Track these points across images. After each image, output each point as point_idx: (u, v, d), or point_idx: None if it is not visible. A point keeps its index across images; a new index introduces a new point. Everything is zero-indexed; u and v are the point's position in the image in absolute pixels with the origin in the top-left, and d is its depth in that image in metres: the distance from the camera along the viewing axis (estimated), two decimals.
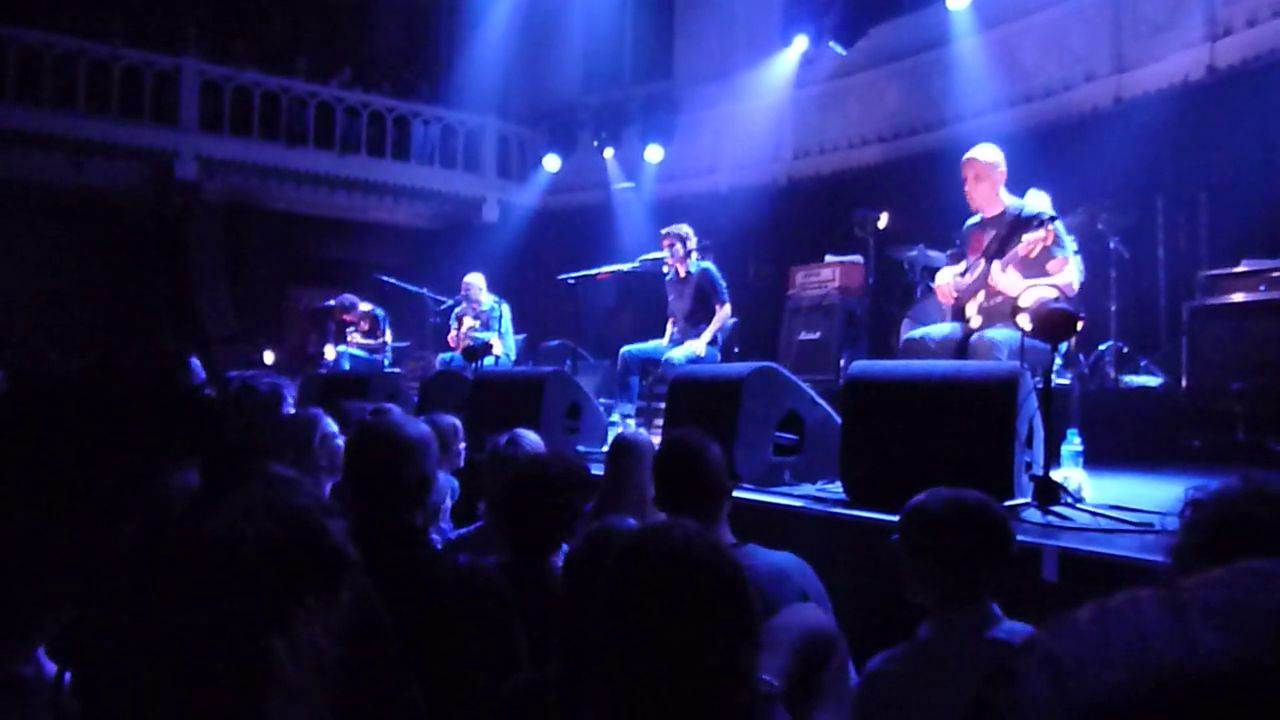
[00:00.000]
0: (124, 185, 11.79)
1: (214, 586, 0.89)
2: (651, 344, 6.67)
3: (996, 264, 4.34)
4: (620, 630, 1.23)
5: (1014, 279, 4.23)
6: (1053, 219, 4.17)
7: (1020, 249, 4.18)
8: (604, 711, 1.22)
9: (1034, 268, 4.25)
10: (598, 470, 3.70)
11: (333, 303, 9.64)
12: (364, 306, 9.46)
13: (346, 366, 8.97)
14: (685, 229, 6.60)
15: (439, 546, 3.41)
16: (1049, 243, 4.16)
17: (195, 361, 3.04)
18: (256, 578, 0.91)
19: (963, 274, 4.74)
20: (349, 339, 9.51)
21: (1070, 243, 4.37)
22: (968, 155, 4.67)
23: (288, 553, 0.94)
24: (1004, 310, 4.22)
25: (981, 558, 2.06)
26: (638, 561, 1.26)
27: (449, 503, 3.73)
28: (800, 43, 9.55)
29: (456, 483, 3.92)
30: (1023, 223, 4.37)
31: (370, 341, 9.35)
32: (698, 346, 6.27)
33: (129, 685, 0.85)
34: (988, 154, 4.63)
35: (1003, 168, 4.60)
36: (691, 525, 1.37)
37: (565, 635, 1.85)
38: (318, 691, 0.90)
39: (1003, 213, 4.59)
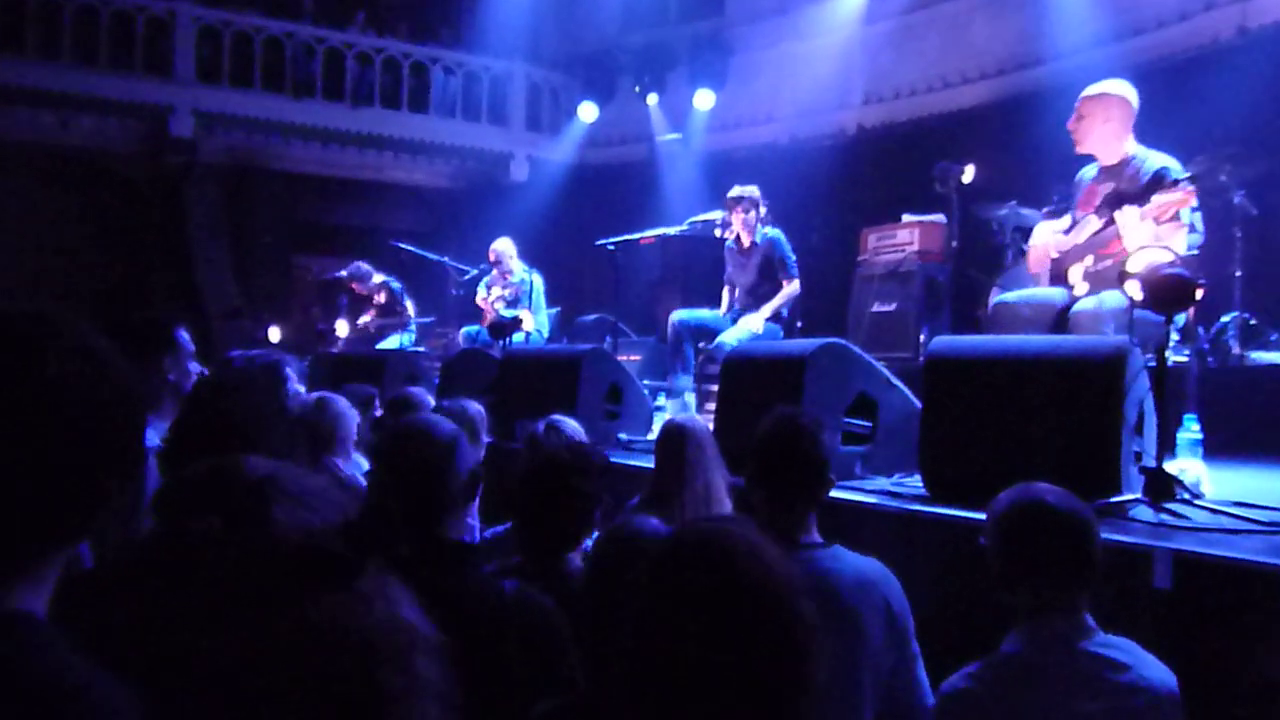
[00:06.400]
0: (114, 144, 12.01)
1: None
2: (708, 312, 6.66)
3: (1131, 209, 4.22)
4: (660, 649, 1.23)
5: (1149, 230, 4.13)
6: (1191, 179, 4.06)
7: (1151, 209, 4.08)
8: None
9: None
10: (642, 461, 3.72)
11: (343, 273, 9.74)
12: (378, 278, 9.51)
13: (400, 346, 8.99)
14: (755, 190, 6.57)
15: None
16: (1187, 205, 4.06)
17: (183, 334, 3.06)
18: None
19: (1066, 231, 4.65)
20: (363, 315, 9.57)
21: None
22: (1092, 90, 4.54)
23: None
24: (1114, 274, 4.13)
25: (1059, 564, 2.08)
26: (685, 568, 1.26)
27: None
28: None
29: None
30: (1155, 181, 4.27)
31: (388, 320, 9.39)
32: (755, 323, 6.25)
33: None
34: (1120, 88, 4.50)
35: (1135, 107, 4.49)
36: (746, 523, 1.36)
37: (590, 652, 1.86)
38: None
39: (1125, 161, 4.49)
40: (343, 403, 3.90)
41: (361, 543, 0.92)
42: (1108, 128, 4.49)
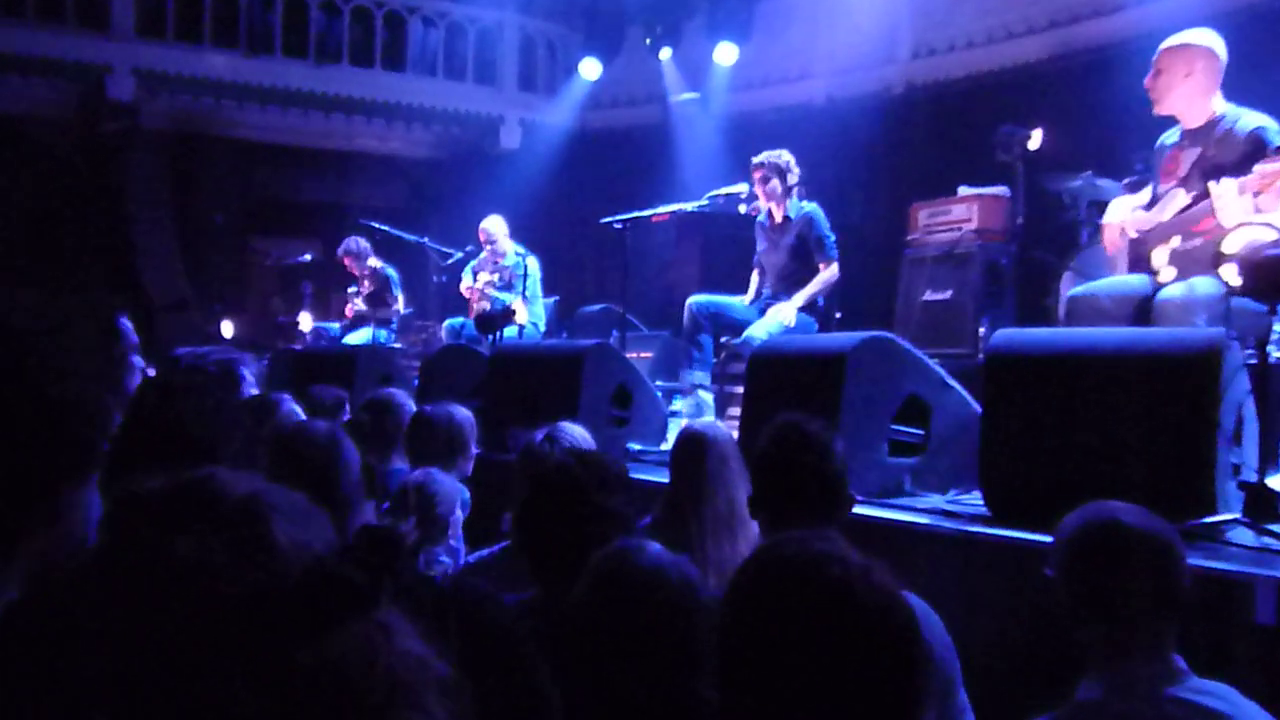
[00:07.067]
0: (43, 109, 12.05)
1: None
2: (733, 298, 6.65)
3: (1229, 181, 4.19)
4: (755, 684, 1.27)
5: (1248, 204, 4.10)
6: None
7: (1252, 180, 4.06)
8: None
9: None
10: (655, 476, 3.70)
11: (305, 258, 9.76)
12: (374, 262, 9.55)
13: (373, 340, 9.02)
14: (785, 157, 6.56)
15: (451, 570, 3.47)
16: None
17: (125, 323, 3.07)
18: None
19: (1148, 206, 4.63)
20: (350, 303, 9.60)
21: None
22: (1171, 41, 4.54)
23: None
24: (1206, 256, 4.11)
25: (1139, 596, 2.08)
26: (774, 595, 1.30)
27: (459, 514, 3.78)
28: None
29: (467, 492, 3.96)
30: (1253, 145, 4.24)
31: (370, 310, 9.40)
32: (786, 314, 6.23)
33: None
34: (1204, 38, 4.50)
35: (1223, 60, 4.48)
36: (849, 549, 1.39)
37: (587, 682, 1.87)
38: None
39: (1213, 122, 4.48)
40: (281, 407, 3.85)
41: (373, 567, 0.94)
42: (1190, 84, 4.47)
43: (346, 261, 9.61)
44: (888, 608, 1.29)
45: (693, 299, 6.59)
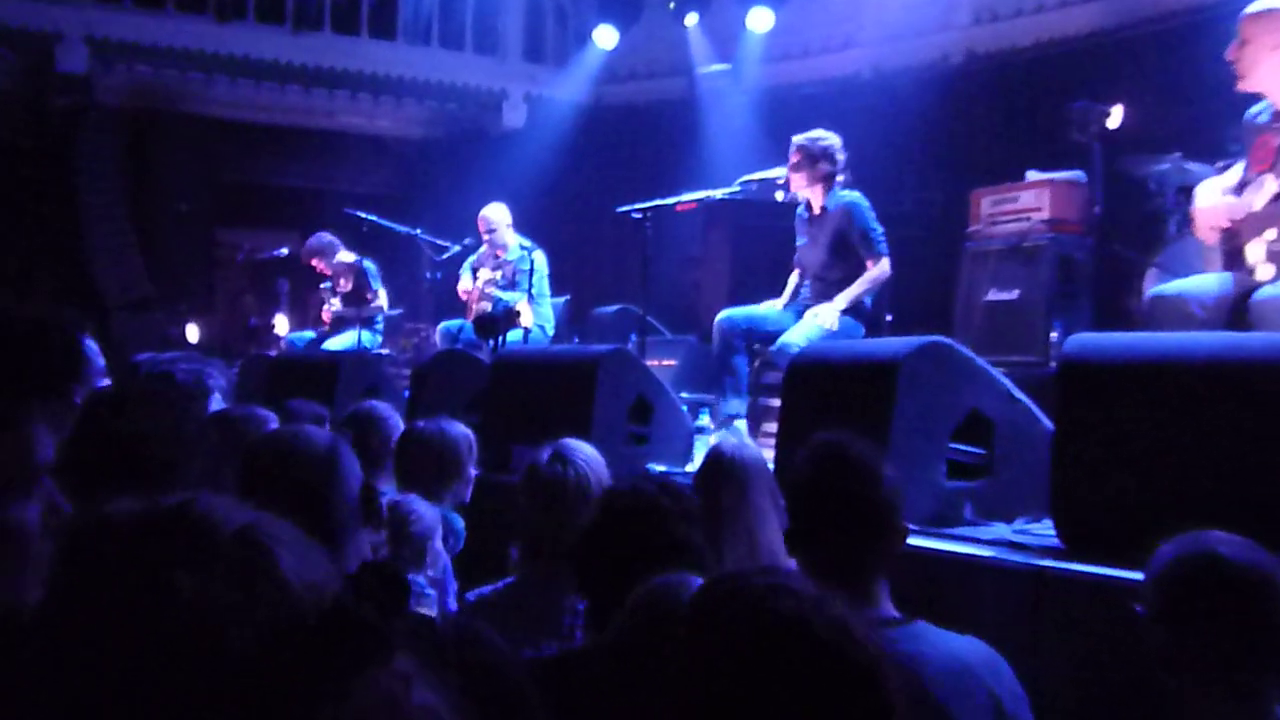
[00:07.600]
0: None
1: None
2: (765, 307, 6.62)
3: None
4: None
5: None
6: None
7: None
8: None
9: None
10: None
11: (281, 252, 9.79)
12: (346, 256, 9.55)
13: (359, 345, 9.04)
14: (823, 140, 6.51)
15: (434, 602, 3.47)
16: None
17: (90, 343, 3.09)
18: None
19: (1237, 189, 4.62)
20: (326, 304, 9.62)
21: None
22: (1257, 6, 4.54)
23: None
24: None
25: (1239, 639, 2.08)
26: (727, 644, 1.30)
27: (439, 544, 3.75)
28: None
29: (461, 521, 3.96)
30: None
31: (351, 310, 9.41)
32: (827, 317, 6.18)
33: None
34: None
35: None
36: (802, 582, 1.38)
37: None
38: None
39: None
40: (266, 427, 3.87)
41: (385, 608, 0.95)
42: (1278, 57, 4.46)
43: (314, 262, 9.63)
44: (849, 642, 1.29)
45: (721, 316, 6.50)
